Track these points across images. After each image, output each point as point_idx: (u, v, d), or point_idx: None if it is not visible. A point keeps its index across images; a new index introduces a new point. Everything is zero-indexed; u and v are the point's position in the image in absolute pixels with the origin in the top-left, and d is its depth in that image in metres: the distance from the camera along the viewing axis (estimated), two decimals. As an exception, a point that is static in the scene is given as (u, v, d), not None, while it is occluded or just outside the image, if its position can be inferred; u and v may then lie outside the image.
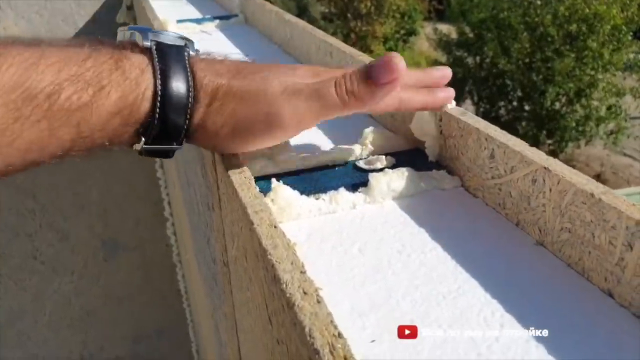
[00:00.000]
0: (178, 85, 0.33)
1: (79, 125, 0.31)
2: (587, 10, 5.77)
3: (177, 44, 0.35)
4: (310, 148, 0.46)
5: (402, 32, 9.55)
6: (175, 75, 0.33)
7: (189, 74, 0.34)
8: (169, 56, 0.34)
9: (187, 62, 0.34)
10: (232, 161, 0.34)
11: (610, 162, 6.62)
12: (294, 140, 0.46)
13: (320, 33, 0.67)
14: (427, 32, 8.92)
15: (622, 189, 5.11)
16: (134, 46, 0.34)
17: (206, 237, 0.51)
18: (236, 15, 0.99)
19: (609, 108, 6.08)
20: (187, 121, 0.34)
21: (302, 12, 7.97)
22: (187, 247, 1.04)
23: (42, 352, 1.54)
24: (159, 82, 0.33)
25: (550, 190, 0.32)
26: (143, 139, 0.34)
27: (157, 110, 0.33)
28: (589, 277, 0.30)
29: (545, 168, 0.32)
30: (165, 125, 0.33)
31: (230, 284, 0.40)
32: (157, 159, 1.36)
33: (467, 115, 0.40)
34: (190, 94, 0.34)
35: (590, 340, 0.27)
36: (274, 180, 0.37)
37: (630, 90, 6.08)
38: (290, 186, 0.38)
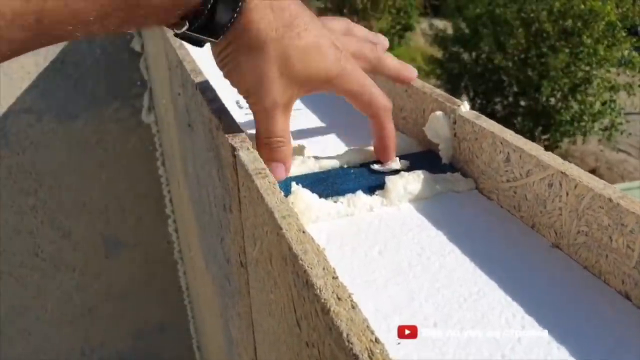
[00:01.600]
0: None
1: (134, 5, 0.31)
2: (582, 7, 5.78)
3: None
4: (326, 151, 0.46)
5: (398, 27, 9.54)
6: None
7: None
8: None
9: None
10: (254, 165, 0.34)
11: (605, 158, 6.65)
12: (309, 144, 0.47)
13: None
14: (423, 28, 8.92)
15: (618, 184, 5.14)
16: None
17: (219, 237, 0.52)
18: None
19: (603, 103, 6.11)
20: (232, 18, 0.35)
21: (298, 7, 7.95)
22: (192, 245, 1.04)
23: (44, 348, 1.54)
24: None
25: (567, 194, 0.33)
26: (187, 25, 0.35)
27: (210, 1, 0.34)
28: (605, 280, 0.31)
29: (562, 172, 0.33)
30: (212, 18, 0.35)
31: (248, 284, 0.41)
32: (159, 157, 1.36)
33: (481, 118, 0.40)
34: None
35: (609, 342, 0.27)
36: (293, 183, 0.38)
37: (624, 86, 6.11)
38: (308, 189, 0.38)
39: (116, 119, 1.34)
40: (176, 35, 0.37)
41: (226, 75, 0.40)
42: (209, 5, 0.34)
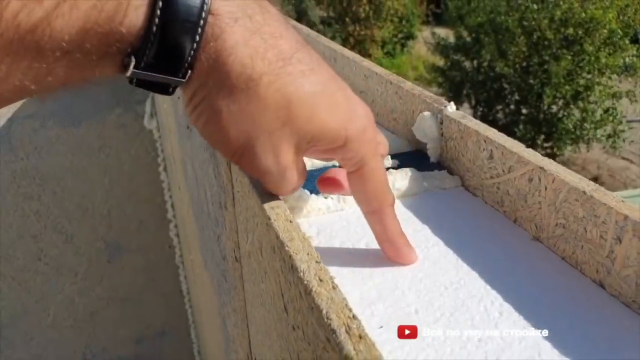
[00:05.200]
0: None
1: (36, 50, 0.23)
2: (584, 15, 5.81)
3: None
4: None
5: (400, 36, 9.60)
6: None
7: None
8: None
9: None
10: (246, 162, 0.36)
11: (607, 165, 6.66)
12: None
13: (324, 39, 0.69)
14: (425, 36, 8.97)
15: (620, 192, 5.13)
16: None
17: (216, 235, 0.53)
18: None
19: (605, 111, 6.13)
20: (195, 43, 0.25)
21: (301, 16, 8.02)
22: (192, 248, 1.06)
23: (46, 352, 1.55)
24: None
25: (546, 188, 0.34)
26: (134, 60, 0.25)
27: (155, 18, 0.24)
28: (581, 269, 0.32)
29: (541, 168, 0.34)
30: (163, 46, 0.25)
31: (242, 278, 0.42)
32: (161, 163, 1.38)
33: (466, 118, 0.42)
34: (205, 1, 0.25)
35: (583, 328, 0.29)
36: (285, 179, 0.39)
37: (627, 93, 6.12)
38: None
39: (119, 124, 1.37)
40: (130, 81, 0.27)
41: (202, 132, 0.29)
42: (154, 27, 0.24)
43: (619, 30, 5.81)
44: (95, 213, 1.45)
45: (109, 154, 1.40)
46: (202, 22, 0.25)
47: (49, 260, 1.46)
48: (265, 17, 0.27)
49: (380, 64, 0.56)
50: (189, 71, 0.26)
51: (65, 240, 1.45)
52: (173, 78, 0.27)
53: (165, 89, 0.28)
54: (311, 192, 0.40)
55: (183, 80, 0.27)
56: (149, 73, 0.26)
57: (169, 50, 0.25)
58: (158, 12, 0.24)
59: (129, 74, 0.25)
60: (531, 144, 5.99)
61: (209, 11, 0.25)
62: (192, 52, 0.25)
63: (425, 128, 0.44)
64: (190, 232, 0.99)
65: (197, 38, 0.25)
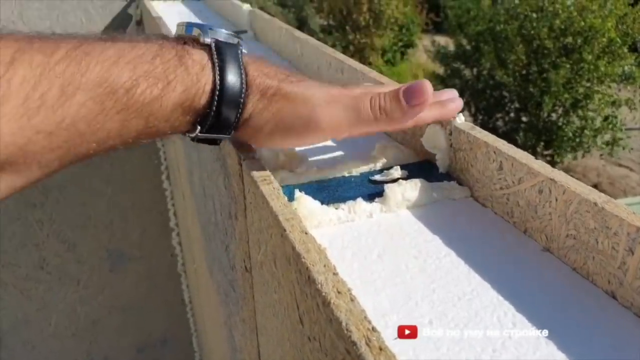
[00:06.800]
0: (234, 82, 0.37)
1: (149, 116, 0.35)
2: (583, 24, 5.84)
3: (231, 42, 0.39)
4: (327, 160, 0.48)
5: (400, 44, 9.64)
6: (231, 72, 0.37)
7: (242, 72, 0.37)
8: (225, 54, 0.37)
9: (241, 61, 0.38)
10: (259, 173, 0.36)
11: (607, 173, 6.66)
12: (312, 153, 0.49)
13: (330, 50, 0.70)
14: (424, 44, 9.01)
15: (620, 199, 5.14)
16: (194, 42, 0.37)
17: (224, 245, 0.54)
18: (245, 32, 1.02)
19: (605, 119, 6.14)
20: (238, 115, 0.37)
21: (301, 24, 8.05)
22: (196, 256, 1.06)
23: (47, 361, 1.55)
24: (217, 78, 0.36)
25: (556, 199, 0.34)
26: (199, 128, 0.37)
27: (214, 103, 0.36)
28: (593, 280, 0.33)
29: (551, 179, 0.34)
30: (219, 118, 0.37)
31: (253, 288, 0.43)
32: (164, 171, 1.38)
33: (475, 129, 0.42)
34: (243, 90, 0.37)
35: (596, 339, 0.29)
36: (297, 191, 0.39)
37: (626, 101, 6.14)
38: (311, 196, 0.40)
39: (122, 133, 1.37)
40: (192, 139, 0.39)
41: (278, 131, 0.40)
42: (214, 107, 0.37)
43: (618, 39, 5.83)
44: (98, 222, 1.45)
45: (112, 163, 1.40)
46: (242, 101, 0.37)
47: (51, 268, 1.46)
48: (267, 66, 0.40)
49: (381, 72, 0.56)
50: (233, 130, 0.39)
51: (68, 249, 1.45)
52: (223, 136, 0.39)
53: (215, 142, 0.41)
54: (322, 203, 0.40)
55: (229, 136, 0.39)
56: (208, 135, 0.38)
57: (221, 121, 0.37)
58: (216, 99, 0.36)
59: (193, 135, 0.38)
60: (532, 151, 6.00)
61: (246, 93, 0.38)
62: (236, 119, 0.38)
63: (434, 139, 0.45)
64: (195, 241, 0.99)
65: (240, 111, 0.37)
